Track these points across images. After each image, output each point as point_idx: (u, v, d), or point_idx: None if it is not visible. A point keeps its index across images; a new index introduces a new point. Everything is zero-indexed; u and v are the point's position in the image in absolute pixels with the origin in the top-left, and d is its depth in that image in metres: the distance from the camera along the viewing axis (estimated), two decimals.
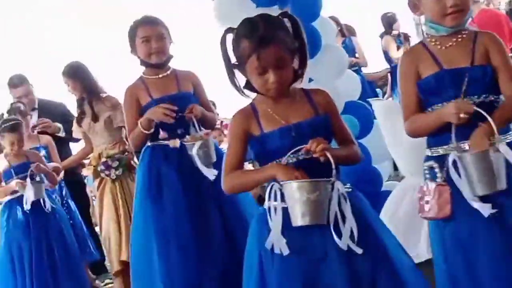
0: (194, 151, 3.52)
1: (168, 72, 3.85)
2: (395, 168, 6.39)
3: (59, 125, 5.93)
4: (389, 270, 2.35)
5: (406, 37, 9.25)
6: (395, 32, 9.05)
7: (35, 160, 5.07)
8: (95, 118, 5.16)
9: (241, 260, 2.96)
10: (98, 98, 5.23)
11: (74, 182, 5.99)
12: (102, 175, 5.10)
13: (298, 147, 2.34)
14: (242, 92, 2.50)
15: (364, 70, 8.79)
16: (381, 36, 9.16)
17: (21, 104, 5.62)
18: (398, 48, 8.99)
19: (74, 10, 11.47)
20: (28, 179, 4.87)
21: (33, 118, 5.89)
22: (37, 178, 5.00)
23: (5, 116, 5.42)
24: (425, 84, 2.56)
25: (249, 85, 2.47)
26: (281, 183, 2.31)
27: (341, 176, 2.45)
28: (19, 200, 4.95)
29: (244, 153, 2.51)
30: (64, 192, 5.69)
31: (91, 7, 11.27)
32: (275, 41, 2.35)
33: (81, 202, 5.98)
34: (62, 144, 5.96)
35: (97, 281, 6.00)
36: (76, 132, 5.47)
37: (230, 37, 2.47)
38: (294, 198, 2.27)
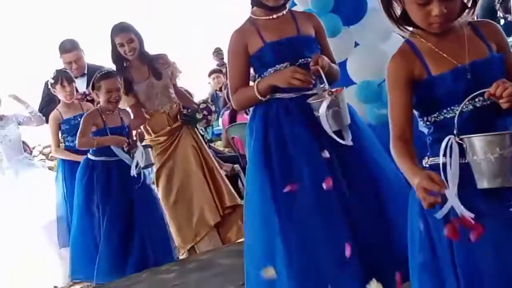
0: (321, 111, 2.86)
1: (284, 12, 3.15)
2: None
3: None
4: None
5: None
6: None
7: (129, 122, 4.99)
8: (158, 75, 5.10)
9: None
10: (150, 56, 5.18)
11: None
12: (202, 123, 5.13)
13: (479, 92, 1.93)
14: (401, 25, 2.09)
15: None
16: None
17: (66, 70, 5.68)
18: None
19: None
20: (139, 144, 4.76)
21: (83, 84, 5.96)
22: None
23: (51, 81, 5.50)
24: None
25: (405, 18, 2.07)
26: (462, 136, 1.89)
27: None
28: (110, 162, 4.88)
29: (411, 105, 2.06)
30: None
31: None
32: None
33: None
34: None
35: None
36: (124, 102, 5.28)
37: None
38: (482, 155, 1.85)
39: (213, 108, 5.13)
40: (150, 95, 5.16)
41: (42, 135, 6.87)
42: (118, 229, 4.80)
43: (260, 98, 3.04)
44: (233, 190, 5.41)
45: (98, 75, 4.86)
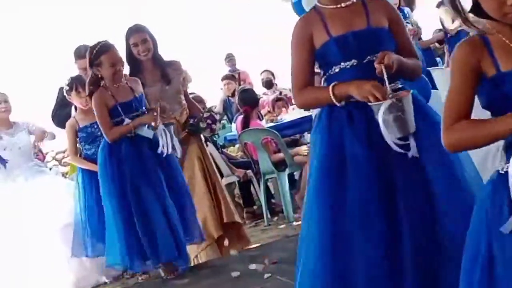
0: (380, 115, 2.56)
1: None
2: None
3: None
4: None
5: None
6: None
7: (138, 89, 4.78)
8: (168, 80, 5.11)
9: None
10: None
11: None
12: (206, 132, 5.12)
13: None
14: (466, 18, 1.91)
15: None
16: (438, 6, 9.02)
17: (81, 77, 5.57)
18: (454, 20, 8.84)
19: None
20: (161, 126, 4.54)
21: None
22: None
23: (66, 88, 5.45)
24: None
25: (477, 9, 1.88)
26: None
27: None
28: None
29: (472, 97, 1.88)
30: None
31: None
32: None
33: None
34: None
35: None
36: None
37: None
38: None
39: (217, 116, 5.14)
40: (162, 99, 5.15)
41: (55, 141, 6.88)
42: (160, 208, 4.62)
43: (337, 104, 2.72)
44: (232, 207, 5.35)
45: (95, 50, 4.61)
